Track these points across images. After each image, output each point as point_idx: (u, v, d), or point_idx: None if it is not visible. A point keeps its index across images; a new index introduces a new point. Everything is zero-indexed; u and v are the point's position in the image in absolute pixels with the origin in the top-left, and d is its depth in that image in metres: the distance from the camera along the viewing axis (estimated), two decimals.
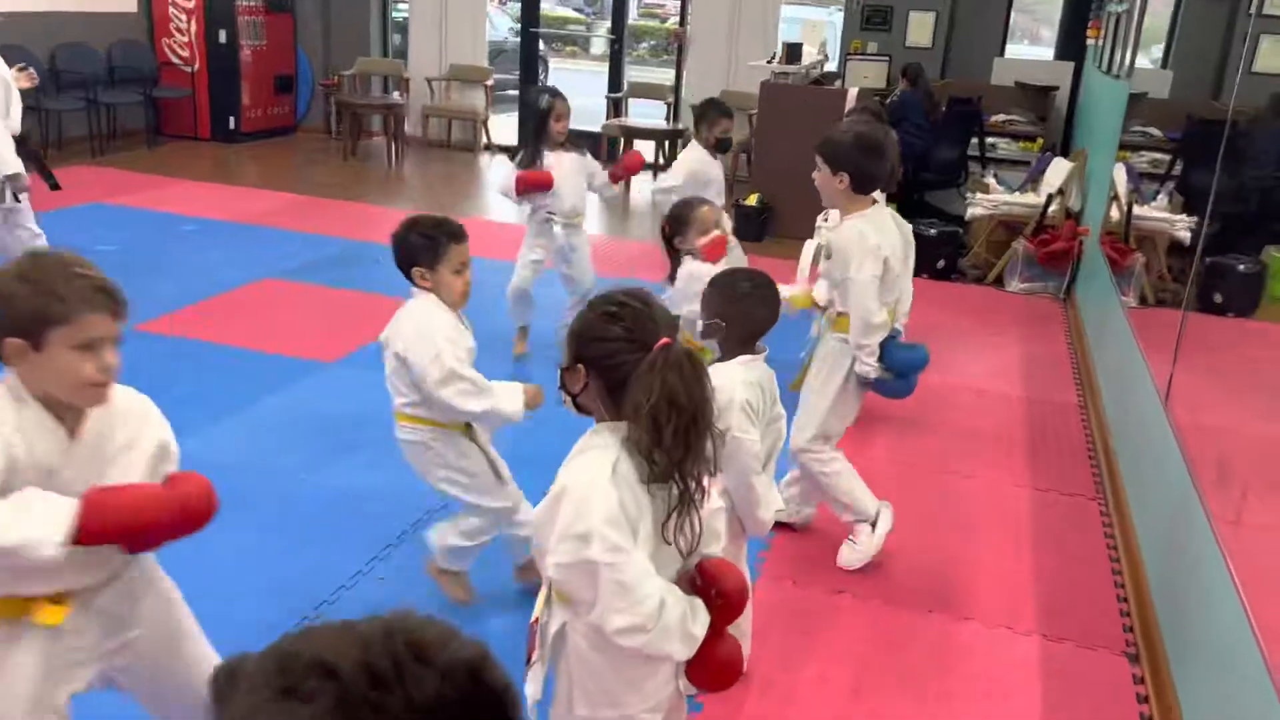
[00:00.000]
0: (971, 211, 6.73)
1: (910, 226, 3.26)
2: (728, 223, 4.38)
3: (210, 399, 4.06)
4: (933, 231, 6.43)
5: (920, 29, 8.65)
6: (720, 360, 2.47)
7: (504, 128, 10.39)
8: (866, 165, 3.00)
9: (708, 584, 1.68)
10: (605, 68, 10.19)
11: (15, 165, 4.46)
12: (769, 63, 7.54)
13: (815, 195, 4.55)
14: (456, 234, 2.58)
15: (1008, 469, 4.01)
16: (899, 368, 3.13)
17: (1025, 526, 3.58)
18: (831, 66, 8.74)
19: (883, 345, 3.07)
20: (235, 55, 9.29)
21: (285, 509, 3.34)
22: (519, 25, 10.50)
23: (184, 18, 9.25)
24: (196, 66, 9.31)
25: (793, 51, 7.34)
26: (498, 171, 9.45)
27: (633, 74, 10.50)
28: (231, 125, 9.45)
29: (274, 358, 4.57)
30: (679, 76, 9.52)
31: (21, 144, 4.54)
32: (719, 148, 4.88)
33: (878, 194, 3.20)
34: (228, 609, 2.79)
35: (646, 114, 9.90)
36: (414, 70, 9.92)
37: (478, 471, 2.73)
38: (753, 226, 7.25)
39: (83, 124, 8.49)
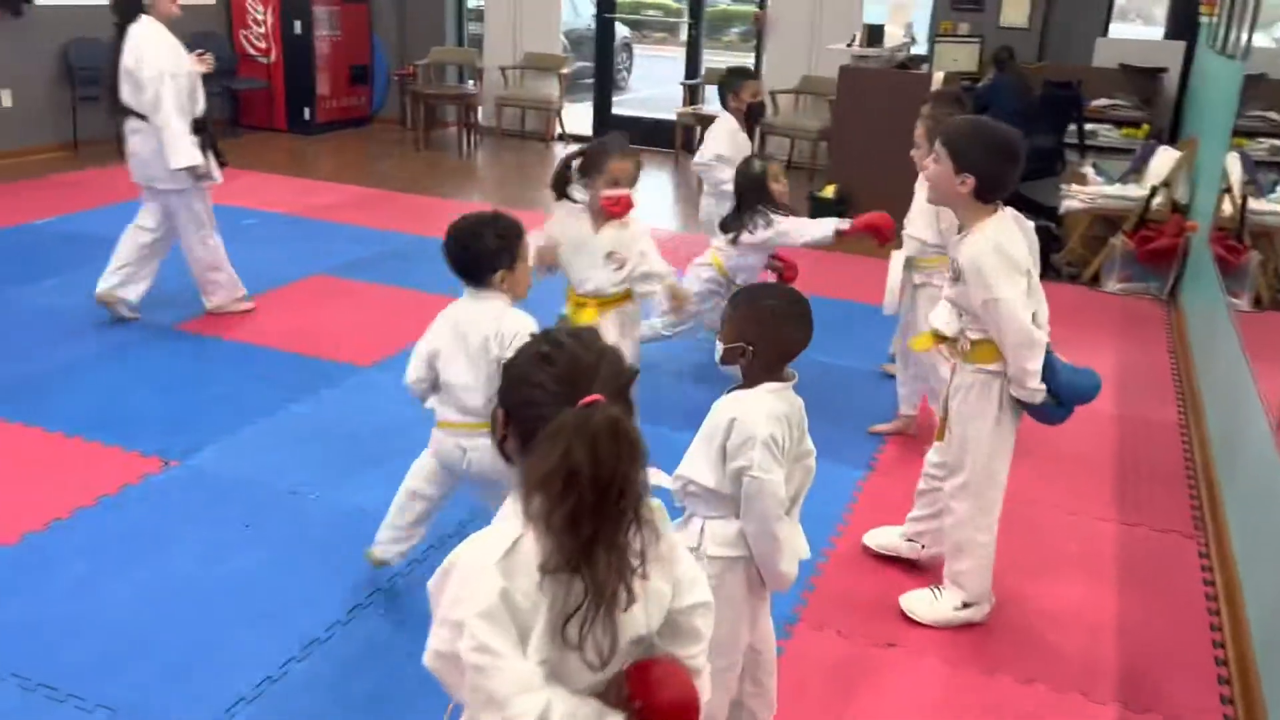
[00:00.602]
0: (1067, 204, 6.23)
1: (1031, 224, 2.82)
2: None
3: (239, 404, 3.90)
4: None
5: (1016, 8, 8.09)
6: (742, 387, 2.16)
7: (578, 116, 10.16)
8: (997, 170, 2.57)
9: (634, 695, 1.36)
10: (731, 56, 9.85)
11: (193, 157, 4.42)
12: (848, 46, 7.12)
13: (897, 186, 4.14)
14: (524, 231, 2.55)
15: (1091, 498, 3.59)
16: (1068, 396, 2.70)
17: (1108, 568, 3.17)
18: (920, 50, 8.25)
19: (1047, 366, 2.65)
20: (310, 46, 9.23)
21: (293, 530, 3.13)
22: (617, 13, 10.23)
23: (261, 9, 9.23)
24: (273, 58, 9.30)
25: (874, 33, 6.91)
26: None
27: (713, 60, 10.14)
28: (307, 116, 9.41)
29: (310, 360, 4.39)
30: (758, 61, 9.13)
31: (200, 129, 4.52)
32: (750, 116, 4.61)
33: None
34: (219, 636, 2.63)
35: None
36: (488, 59, 9.75)
37: None
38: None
39: None
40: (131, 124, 4.51)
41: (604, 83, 9.93)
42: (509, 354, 2.28)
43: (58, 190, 6.97)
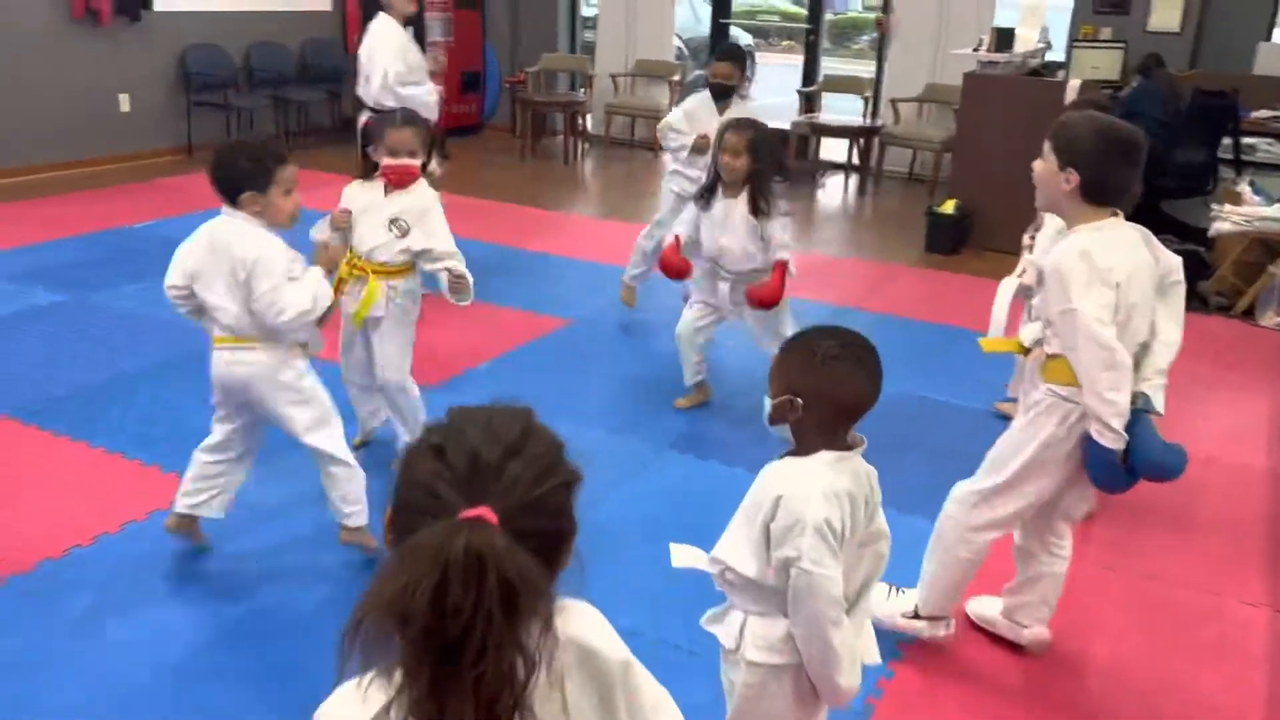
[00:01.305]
0: (1218, 226, 5.58)
1: (1178, 260, 2.40)
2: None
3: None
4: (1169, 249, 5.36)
5: (1167, 11, 7.40)
6: (794, 454, 1.78)
7: None
8: (1106, 167, 2.23)
9: None
10: (827, 63, 9.43)
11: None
12: (974, 51, 6.59)
13: (1024, 203, 3.70)
14: (283, 156, 2.64)
15: (1237, 576, 3.06)
16: (1144, 468, 2.28)
17: (1258, 668, 2.66)
18: (1056, 55, 7.63)
19: (1130, 430, 2.23)
20: (421, 52, 9.15)
21: (301, 582, 2.88)
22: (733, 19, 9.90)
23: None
24: None
25: (1003, 37, 6.37)
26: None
27: (837, 67, 9.69)
28: None
29: None
30: (880, 68, 8.64)
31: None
32: (713, 92, 4.67)
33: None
34: (214, 699, 2.39)
35: (843, 109, 9.08)
36: (600, 66, 9.53)
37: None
38: (948, 237, 6.37)
39: (272, 121, 8.58)
40: (364, 116, 4.89)
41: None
42: (255, 282, 2.58)
43: (164, 193, 7.02)
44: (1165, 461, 2.28)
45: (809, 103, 8.78)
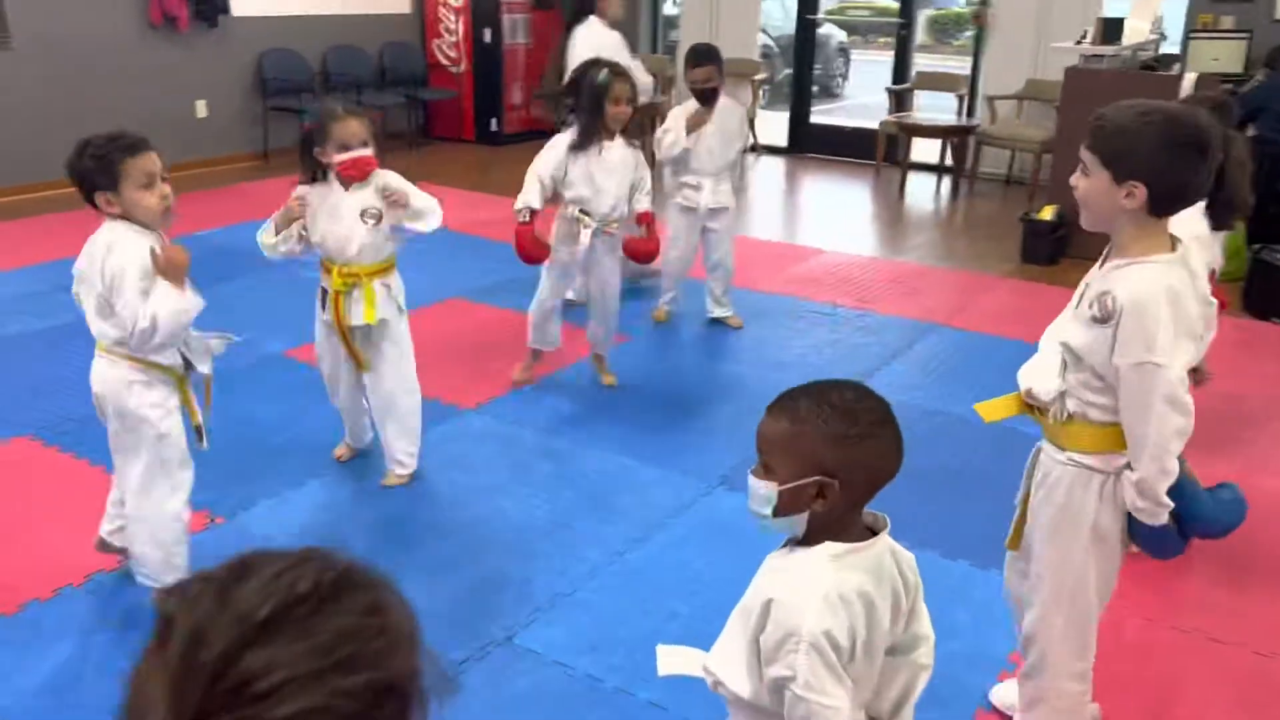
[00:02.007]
0: None
1: (1204, 280, 1.97)
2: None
3: (315, 449, 3.48)
4: None
5: None
6: (797, 544, 1.44)
7: (774, 126, 9.44)
8: (1180, 171, 1.78)
9: None
10: (925, 60, 8.95)
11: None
12: (1078, 43, 6.06)
13: None
14: (134, 145, 2.36)
15: None
16: (1199, 527, 1.91)
17: None
18: (1171, 48, 7.03)
19: (1176, 485, 1.85)
20: (499, 55, 8.99)
21: None
22: (820, 15, 9.49)
23: (453, 17, 9.08)
24: (462, 67, 9.13)
25: (1109, 29, 5.84)
26: (760, 173, 8.55)
27: (934, 64, 9.19)
28: (494, 127, 9.19)
29: None
30: (976, 64, 8.12)
31: None
32: (697, 98, 4.52)
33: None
34: None
35: (939, 108, 8.58)
36: (680, 67, 9.20)
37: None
38: (1045, 246, 5.87)
39: None
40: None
41: (802, 89, 9.17)
42: (114, 297, 2.35)
43: (233, 200, 6.95)
44: (1221, 518, 1.90)
45: (899, 101, 8.30)
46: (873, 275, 5.72)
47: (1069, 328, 1.93)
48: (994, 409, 2.06)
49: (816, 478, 1.37)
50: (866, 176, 8.23)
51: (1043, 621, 2.05)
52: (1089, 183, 1.84)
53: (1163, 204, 1.80)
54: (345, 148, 2.91)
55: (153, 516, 2.52)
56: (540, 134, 9.44)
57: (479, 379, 4.12)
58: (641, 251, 3.92)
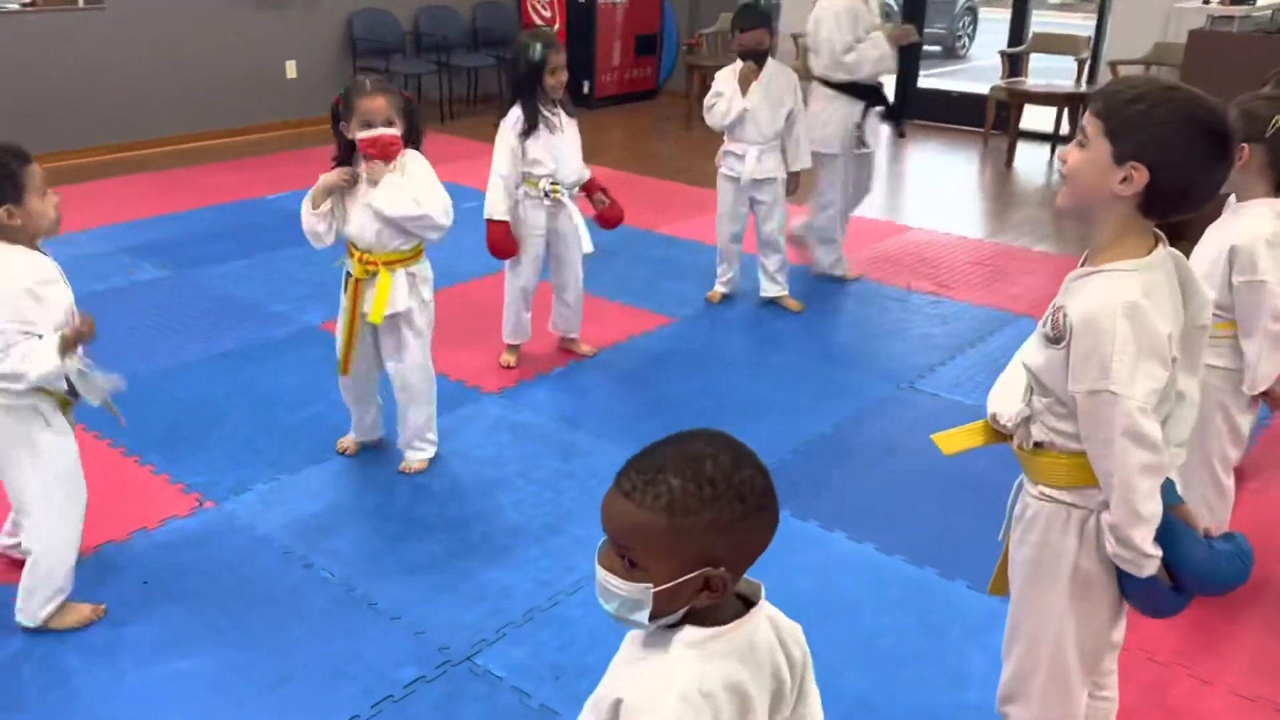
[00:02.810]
0: None
1: (1212, 296, 1.65)
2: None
3: (324, 431, 3.34)
4: None
5: None
6: (669, 625, 1.18)
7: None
8: (1193, 167, 1.47)
9: None
10: (1047, 18, 8.32)
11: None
12: (1205, 2, 5.45)
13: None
14: (24, 152, 2.22)
15: None
16: (1196, 583, 1.59)
17: None
18: None
19: (1161, 539, 1.55)
20: (593, 14, 8.74)
21: (275, 619, 2.49)
22: None
23: None
24: (556, 27, 8.90)
25: None
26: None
27: (1045, 23, 8.52)
28: (585, 90, 8.95)
29: (439, 380, 3.76)
30: (1100, 25, 7.46)
31: (871, 96, 4.57)
32: (746, 58, 4.21)
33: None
34: None
35: (1056, 72, 7.95)
36: (786, 26, 8.76)
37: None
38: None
39: (437, 88, 8.39)
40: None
41: (912, 50, 8.61)
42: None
43: (313, 164, 6.91)
44: (1217, 572, 1.57)
45: (1013, 65, 7.71)
46: (958, 256, 5.29)
47: (1031, 345, 1.66)
48: (954, 439, 1.79)
49: (702, 571, 1.10)
50: (974, 146, 7.69)
51: (1018, 679, 1.77)
52: (1082, 155, 1.54)
53: (1160, 200, 1.49)
54: (368, 124, 2.76)
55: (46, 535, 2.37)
56: (638, 96, 9.24)
57: (485, 363, 3.92)
58: (611, 219, 3.82)
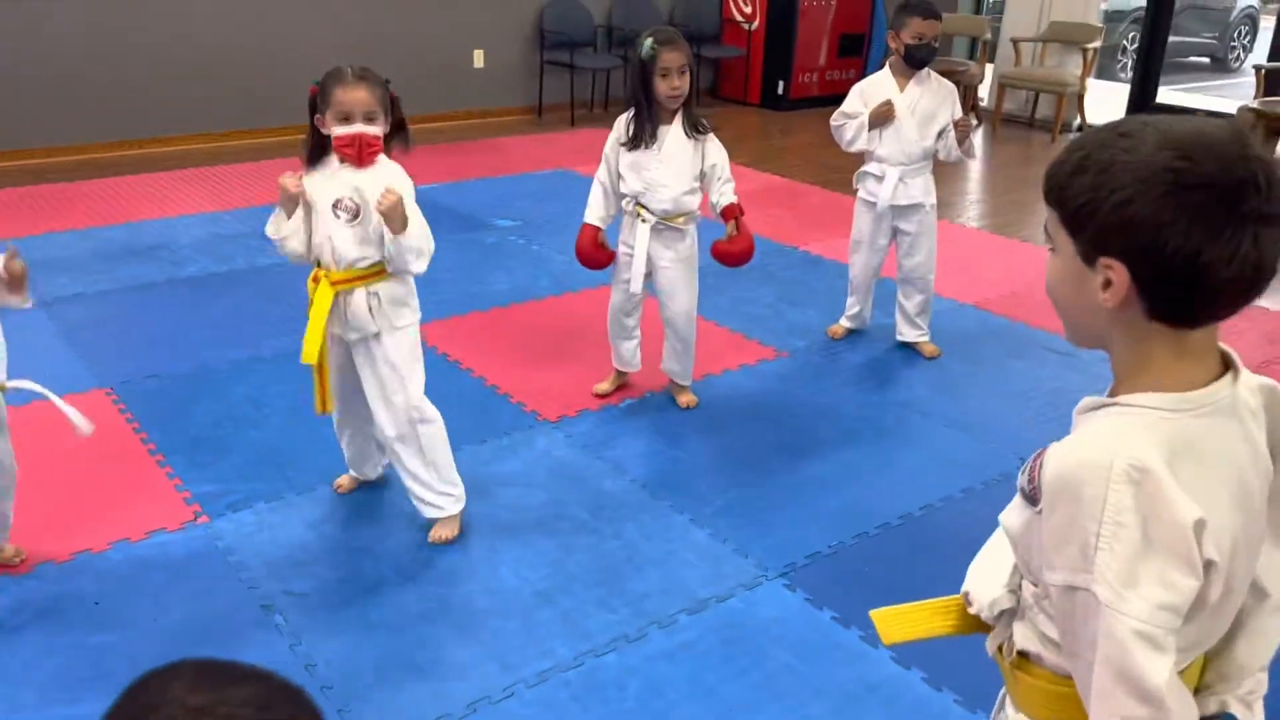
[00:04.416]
0: None
1: None
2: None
3: None
4: None
5: None
6: None
7: (1110, 102, 7.94)
8: (1174, 233, 0.90)
9: None
10: None
11: None
12: None
13: None
14: None
15: None
16: None
17: None
18: None
19: None
20: (794, 12, 8.22)
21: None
22: None
23: None
24: (755, 24, 8.45)
25: None
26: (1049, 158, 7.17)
27: None
28: (780, 90, 8.46)
29: (497, 400, 3.46)
30: None
31: None
32: (909, 60, 3.57)
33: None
34: None
35: None
36: (1007, 28, 7.94)
37: None
38: None
39: (623, 84, 8.12)
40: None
41: (1151, 61, 7.59)
42: None
43: (488, 154, 6.82)
44: None
45: (1270, 83, 6.59)
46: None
47: (1013, 509, 1.11)
48: (901, 623, 1.27)
49: None
50: None
51: None
52: (1052, 264, 1.04)
53: (1167, 299, 0.95)
54: (346, 119, 2.37)
55: None
56: (830, 100, 8.63)
57: (574, 388, 3.55)
58: (731, 254, 3.22)
